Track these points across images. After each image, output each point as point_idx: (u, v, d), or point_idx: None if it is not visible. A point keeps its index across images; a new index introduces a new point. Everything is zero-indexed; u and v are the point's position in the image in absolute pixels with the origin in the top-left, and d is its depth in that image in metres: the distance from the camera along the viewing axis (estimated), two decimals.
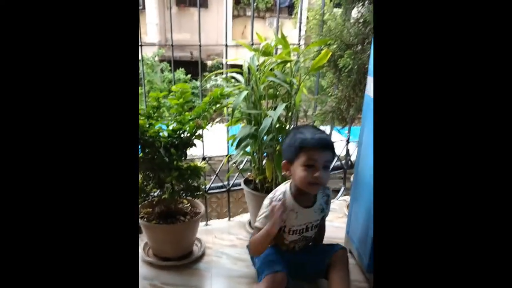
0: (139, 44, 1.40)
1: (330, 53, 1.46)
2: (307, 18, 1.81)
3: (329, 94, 1.77)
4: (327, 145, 1.22)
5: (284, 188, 1.32)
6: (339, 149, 2.19)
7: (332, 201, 2.20)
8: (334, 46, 1.56)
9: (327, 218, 1.95)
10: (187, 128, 1.44)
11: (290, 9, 8.91)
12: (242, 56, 1.69)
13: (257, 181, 1.70)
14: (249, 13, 9.04)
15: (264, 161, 1.67)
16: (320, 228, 1.46)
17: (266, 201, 1.30)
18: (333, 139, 1.35)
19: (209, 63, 9.01)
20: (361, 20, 1.52)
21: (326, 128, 2.01)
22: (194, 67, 8.48)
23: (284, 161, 1.28)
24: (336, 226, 1.89)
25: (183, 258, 1.55)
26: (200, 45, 1.69)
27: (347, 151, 2.16)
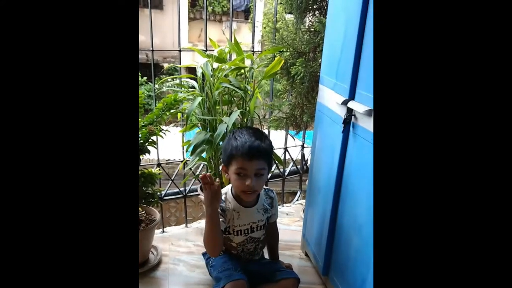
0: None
1: (283, 61, 1.48)
2: (263, 23, 1.84)
3: (284, 100, 1.80)
4: (258, 154, 1.20)
5: (226, 189, 1.33)
6: (295, 153, 2.23)
7: (289, 205, 2.25)
8: (287, 53, 1.59)
9: (284, 222, 2.00)
10: (140, 135, 1.41)
11: (247, 14, 8.96)
12: (198, 60, 1.68)
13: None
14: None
15: (220, 167, 1.67)
16: (274, 231, 1.48)
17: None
18: (273, 143, 1.33)
19: (165, 65, 8.85)
20: (312, 29, 1.56)
21: (281, 133, 2.04)
22: (150, 69, 8.28)
23: (222, 165, 1.29)
24: (293, 229, 1.92)
25: (139, 267, 1.51)
26: (152, 50, 1.66)
27: (303, 155, 2.21)
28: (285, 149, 2.16)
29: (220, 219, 1.25)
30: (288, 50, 1.59)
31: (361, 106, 1.07)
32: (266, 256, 1.51)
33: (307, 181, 1.91)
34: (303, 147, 2.18)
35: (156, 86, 1.86)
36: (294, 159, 2.23)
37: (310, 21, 1.60)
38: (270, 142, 1.29)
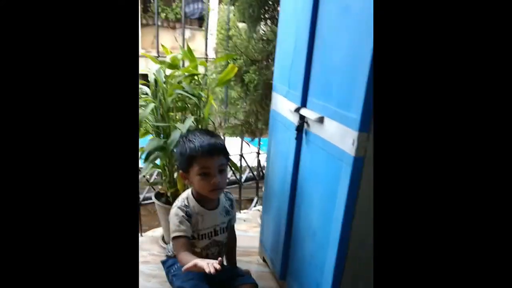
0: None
1: (236, 68, 1.49)
2: (216, 31, 1.84)
3: (238, 107, 1.80)
4: (218, 150, 1.22)
5: (186, 194, 1.31)
6: (251, 160, 2.24)
7: (246, 211, 2.25)
8: (240, 61, 1.60)
9: (241, 228, 2.00)
10: None
11: (201, 21, 8.92)
12: (151, 67, 1.65)
13: (168, 194, 1.66)
14: (158, 22, 8.82)
15: (175, 174, 1.64)
16: (231, 236, 1.47)
17: (173, 210, 1.28)
18: (229, 150, 1.34)
19: None
20: (264, 38, 1.59)
21: (236, 140, 2.04)
22: None
23: (180, 172, 1.27)
24: (251, 235, 1.93)
25: None
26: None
27: (258, 162, 2.22)
28: (241, 156, 2.17)
29: (188, 224, 1.23)
30: (241, 58, 1.60)
31: (313, 113, 1.10)
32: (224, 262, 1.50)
33: (263, 187, 1.93)
34: (258, 153, 2.20)
35: None
36: (251, 165, 2.24)
37: (262, 29, 1.63)
38: (222, 139, 1.32)
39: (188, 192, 1.32)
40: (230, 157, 1.41)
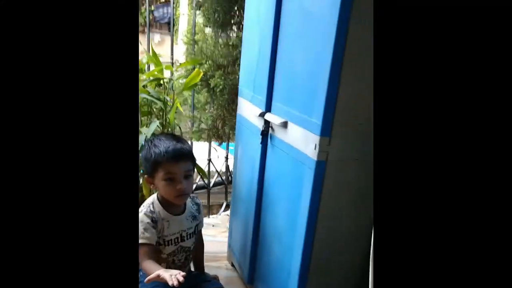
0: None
1: (202, 73, 1.49)
2: (184, 36, 1.83)
3: (206, 112, 1.80)
4: (183, 156, 1.20)
5: (152, 199, 1.29)
6: (220, 164, 2.24)
7: (215, 216, 2.24)
8: (206, 66, 1.60)
9: (210, 233, 1.99)
10: None
11: (170, 26, 8.83)
12: None
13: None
14: None
15: (141, 179, 1.61)
16: (199, 242, 1.46)
17: (139, 215, 1.25)
18: (197, 155, 1.34)
19: None
20: (230, 43, 1.59)
21: (204, 145, 2.03)
22: None
23: (145, 177, 1.24)
24: (220, 240, 1.91)
25: None
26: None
27: (227, 167, 2.22)
28: (209, 161, 2.16)
29: (153, 231, 1.21)
30: (207, 63, 1.60)
31: (277, 118, 1.11)
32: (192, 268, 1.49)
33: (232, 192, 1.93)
34: (227, 158, 2.20)
35: None
36: (219, 170, 2.23)
37: (228, 35, 1.63)
38: (189, 144, 1.30)
39: (153, 197, 1.29)
40: (198, 161, 1.40)
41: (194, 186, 2.15)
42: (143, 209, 1.26)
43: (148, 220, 1.21)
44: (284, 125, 1.08)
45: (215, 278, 1.43)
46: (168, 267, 1.32)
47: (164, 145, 1.19)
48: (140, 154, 1.28)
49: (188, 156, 1.22)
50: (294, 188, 1.06)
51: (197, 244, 1.44)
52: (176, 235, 1.30)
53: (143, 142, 1.42)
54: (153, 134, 1.37)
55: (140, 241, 1.20)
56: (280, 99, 1.13)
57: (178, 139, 1.25)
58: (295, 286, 1.07)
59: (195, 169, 1.45)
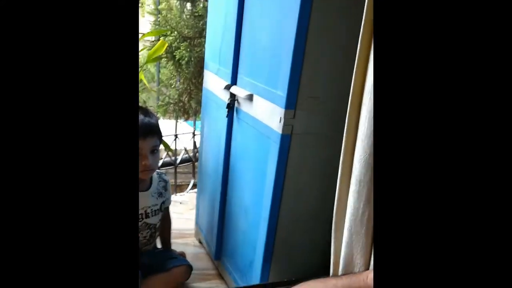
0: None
1: (167, 44, 1.43)
2: (146, 5, 1.74)
3: (172, 86, 1.74)
4: (150, 131, 1.18)
5: None
6: (187, 141, 2.20)
7: (182, 193, 2.21)
8: (171, 37, 1.54)
9: (177, 211, 1.97)
10: None
11: None
12: None
13: None
14: None
15: None
16: (165, 219, 1.44)
17: None
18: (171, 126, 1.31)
19: None
20: (196, 14, 1.53)
21: (171, 121, 1.98)
22: None
23: None
24: (187, 218, 1.90)
25: None
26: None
27: (194, 143, 2.18)
28: (176, 136, 2.11)
29: None
30: (173, 34, 1.53)
31: (243, 91, 1.09)
32: (158, 245, 1.47)
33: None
34: (194, 134, 2.16)
35: None
36: (186, 147, 2.19)
37: (194, 5, 1.57)
38: (156, 117, 1.26)
39: None
40: (164, 138, 1.37)
41: (161, 162, 2.11)
42: None
43: None
44: (250, 98, 1.05)
45: (182, 254, 1.42)
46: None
47: None
48: None
49: (155, 131, 1.19)
50: (260, 162, 1.05)
51: (164, 221, 1.42)
52: (140, 211, 1.28)
53: None
54: None
55: None
56: (245, 72, 1.11)
57: (146, 112, 1.21)
58: (260, 260, 1.07)
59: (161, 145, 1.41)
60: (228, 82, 1.17)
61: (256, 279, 1.11)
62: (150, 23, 1.70)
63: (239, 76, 1.14)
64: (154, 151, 1.20)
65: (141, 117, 1.18)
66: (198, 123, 2.08)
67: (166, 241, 1.48)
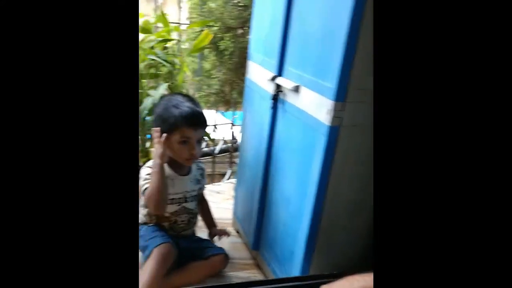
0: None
1: (211, 35, 1.44)
2: None
3: (213, 77, 1.76)
4: (201, 122, 1.23)
5: None
6: (225, 132, 2.22)
7: (219, 183, 2.24)
8: (215, 28, 1.55)
9: (215, 200, 1.99)
10: None
11: None
12: None
13: (141, 163, 1.62)
14: None
15: (147, 143, 1.60)
16: (203, 202, 1.47)
17: (144, 169, 1.26)
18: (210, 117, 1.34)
19: None
20: (240, 4, 1.53)
21: (211, 111, 2.00)
22: None
23: (157, 131, 1.22)
24: (224, 207, 1.92)
25: None
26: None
27: (232, 134, 2.20)
28: (215, 127, 2.14)
29: None
30: (217, 25, 1.54)
31: (289, 82, 1.08)
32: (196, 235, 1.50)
33: (238, 158, 1.92)
34: (233, 125, 2.17)
35: None
36: (224, 137, 2.22)
37: None
38: (202, 108, 1.31)
39: None
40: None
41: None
42: (148, 163, 1.26)
43: (149, 172, 1.22)
44: (296, 89, 1.05)
45: (224, 233, 1.42)
46: (171, 227, 1.34)
47: (184, 108, 1.19)
48: (154, 112, 1.26)
49: (205, 122, 1.24)
50: (305, 154, 1.04)
51: (203, 204, 1.46)
52: (180, 195, 1.32)
53: (150, 105, 1.39)
54: (169, 94, 1.34)
55: (147, 185, 1.22)
56: (292, 63, 1.10)
57: (196, 103, 1.25)
58: (301, 252, 1.07)
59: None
60: (274, 73, 1.17)
61: (296, 271, 1.11)
62: (192, 13, 1.72)
63: (285, 67, 1.13)
64: (200, 140, 1.25)
65: (193, 106, 1.22)
66: (233, 113, 2.09)
67: (210, 219, 1.51)
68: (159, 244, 1.21)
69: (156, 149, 1.21)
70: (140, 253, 1.28)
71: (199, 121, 1.21)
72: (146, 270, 1.17)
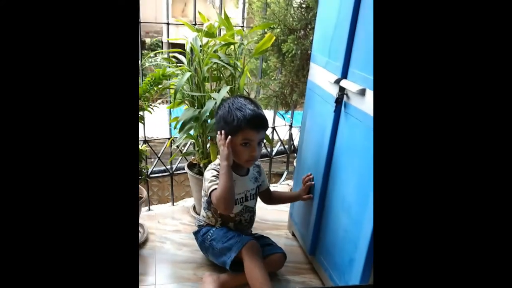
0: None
1: (274, 38, 1.45)
2: None
3: (273, 78, 1.76)
4: (264, 124, 1.26)
5: (219, 160, 1.33)
6: (282, 133, 2.22)
7: (275, 185, 2.25)
8: (278, 30, 1.55)
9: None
10: None
11: None
12: (183, 36, 1.63)
13: (201, 165, 1.67)
14: None
15: (208, 145, 1.64)
16: (270, 192, 1.50)
17: (208, 172, 1.31)
18: (269, 118, 1.36)
19: (147, 40, 8.64)
20: (304, 6, 1.52)
21: (270, 112, 2.01)
22: None
23: (221, 134, 1.26)
24: (280, 209, 1.91)
25: None
26: (139, 23, 1.60)
27: (290, 135, 2.19)
28: (273, 128, 2.14)
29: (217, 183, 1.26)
30: (279, 27, 1.55)
31: (354, 85, 1.05)
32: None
33: (294, 161, 1.90)
34: (291, 127, 2.17)
35: (141, 62, 1.80)
36: (282, 139, 2.21)
37: None
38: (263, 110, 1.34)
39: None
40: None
41: None
42: (211, 166, 1.31)
43: (214, 174, 1.27)
44: (362, 92, 1.02)
45: (303, 195, 1.41)
46: (236, 227, 1.37)
47: (248, 111, 1.23)
48: (217, 114, 1.30)
49: (266, 124, 1.28)
50: (368, 159, 1.01)
51: (271, 195, 1.49)
52: (241, 195, 1.36)
53: (212, 108, 1.43)
54: (231, 97, 1.37)
55: (213, 187, 1.26)
56: (358, 65, 1.07)
57: (257, 104, 1.29)
58: (362, 260, 1.04)
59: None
60: (338, 76, 1.15)
61: (356, 279, 1.08)
62: (256, 17, 1.74)
63: (350, 69, 1.10)
64: (260, 142, 1.27)
65: (255, 109, 1.25)
66: (296, 114, 2.08)
67: (292, 196, 1.53)
68: (247, 243, 1.24)
69: (221, 151, 1.25)
70: (218, 256, 1.32)
71: (261, 123, 1.24)
72: (251, 271, 1.20)
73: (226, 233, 1.33)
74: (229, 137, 1.23)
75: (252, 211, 1.42)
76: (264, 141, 1.49)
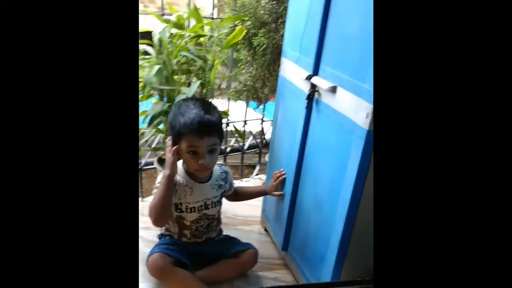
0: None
1: (245, 31, 1.42)
2: None
3: (244, 71, 1.74)
4: (209, 130, 1.13)
5: (179, 163, 1.24)
6: (255, 127, 2.20)
7: (247, 179, 2.23)
8: (248, 23, 1.52)
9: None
10: None
11: None
12: (150, 26, 1.56)
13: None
14: None
15: (168, 141, 1.60)
16: (242, 193, 1.46)
17: (159, 177, 1.22)
18: (233, 116, 1.31)
19: None
20: None
21: (241, 104, 1.98)
22: None
23: (169, 141, 1.17)
24: (252, 204, 1.90)
25: None
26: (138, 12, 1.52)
27: (262, 129, 2.18)
28: (245, 122, 2.12)
29: None
30: (250, 20, 1.51)
31: (325, 82, 1.04)
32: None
33: (266, 155, 1.89)
34: (262, 120, 2.15)
35: None
36: (254, 132, 2.20)
37: None
38: (219, 114, 1.22)
39: (179, 163, 1.25)
40: (234, 123, 1.37)
41: (229, 149, 2.14)
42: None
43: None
44: (333, 90, 1.01)
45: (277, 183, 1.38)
46: (192, 234, 1.31)
47: (190, 115, 1.11)
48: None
49: (214, 130, 1.15)
50: (340, 157, 1.01)
51: (237, 194, 1.44)
52: (200, 202, 1.27)
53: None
54: (184, 99, 1.32)
55: (154, 191, 1.18)
56: (329, 62, 1.06)
57: (207, 109, 1.16)
58: (333, 256, 1.05)
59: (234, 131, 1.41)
60: (309, 72, 1.13)
61: (327, 275, 1.09)
62: (226, 9, 1.70)
63: (322, 66, 1.09)
64: (212, 150, 1.17)
65: (201, 113, 1.13)
66: (269, 105, 2.06)
67: (259, 192, 1.52)
68: (157, 252, 1.22)
69: (167, 159, 1.16)
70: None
71: (205, 129, 1.12)
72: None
73: (168, 243, 1.29)
74: (177, 144, 1.15)
75: (211, 219, 1.33)
76: (236, 135, 1.45)
